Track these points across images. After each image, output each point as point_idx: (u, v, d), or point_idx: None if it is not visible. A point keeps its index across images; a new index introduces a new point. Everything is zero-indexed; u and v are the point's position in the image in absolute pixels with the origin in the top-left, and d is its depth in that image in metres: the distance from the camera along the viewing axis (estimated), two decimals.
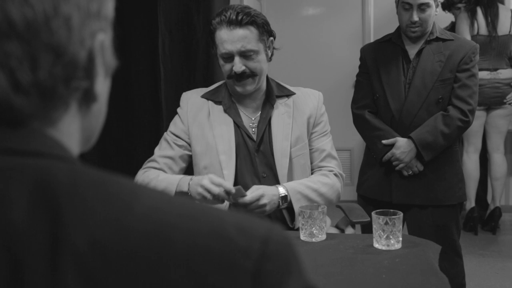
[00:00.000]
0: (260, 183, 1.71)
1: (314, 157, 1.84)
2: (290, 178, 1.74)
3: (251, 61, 1.67)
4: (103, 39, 0.52)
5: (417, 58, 2.25)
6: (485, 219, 3.72)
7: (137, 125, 2.80)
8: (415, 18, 2.18)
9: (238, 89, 1.71)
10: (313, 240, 1.56)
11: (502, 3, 3.56)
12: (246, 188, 1.62)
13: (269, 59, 1.76)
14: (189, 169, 1.86)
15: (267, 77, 1.80)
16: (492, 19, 3.42)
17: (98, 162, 2.87)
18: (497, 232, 3.65)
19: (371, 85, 2.32)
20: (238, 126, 1.75)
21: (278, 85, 1.84)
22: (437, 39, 2.25)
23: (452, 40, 2.26)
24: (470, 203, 3.58)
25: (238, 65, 1.65)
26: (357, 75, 2.42)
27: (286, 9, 4.11)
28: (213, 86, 1.86)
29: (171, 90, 2.73)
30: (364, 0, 4.12)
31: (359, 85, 2.39)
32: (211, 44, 1.75)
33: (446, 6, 3.66)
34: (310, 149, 1.83)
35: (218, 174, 1.65)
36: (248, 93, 1.73)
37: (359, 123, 2.36)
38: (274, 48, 1.77)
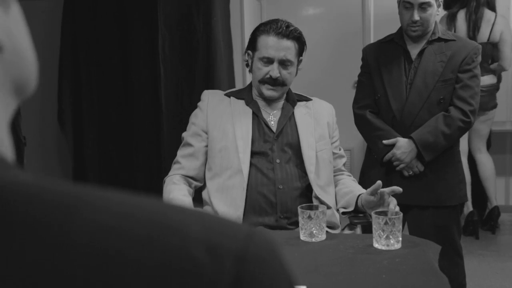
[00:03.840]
0: (273, 167, 1.81)
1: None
2: (317, 169, 1.85)
3: (286, 71, 1.83)
4: None
5: (418, 58, 2.24)
6: (484, 219, 3.72)
7: (137, 124, 2.80)
8: (416, 17, 2.17)
9: (267, 92, 1.85)
10: (313, 240, 1.56)
11: (493, 9, 3.50)
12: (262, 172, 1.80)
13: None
14: None
15: None
16: (474, 26, 3.38)
17: (99, 162, 2.88)
18: (497, 232, 3.64)
19: (373, 85, 2.32)
20: (257, 116, 1.87)
21: (297, 94, 1.99)
22: (439, 39, 2.24)
23: (454, 40, 2.24)
24: (468, 207, 3.56)
25: (276, 71, 1.81)
26: (359, 75, 2.41)
27: (286, 9, 4.11)
28: (235, 89, 2.04)
29: (171, 89, 2.73)
30: (364, 0, 4.12)
31: (360, 85, 2.38)
32: (247, 46, 1.91)
33: (446, 6, 3.65)
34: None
35: (233, 157, 1.79)
36: (273, 98, 1.88)
37: (360, 123, 2.35)
38: (298, 69, 1.94)
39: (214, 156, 1.83)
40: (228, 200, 1.77)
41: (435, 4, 2.19)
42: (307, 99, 1.98)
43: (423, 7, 2.17)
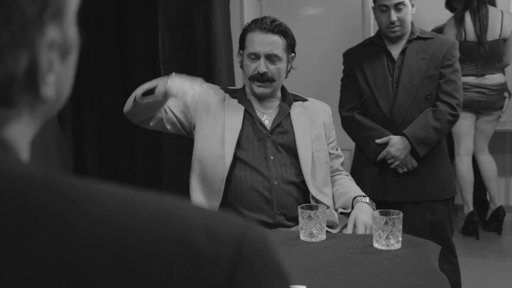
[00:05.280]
0: (267, 164, 1.80)
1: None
2: (313, 170, 1.84)
3: (274, 66, 1.83)
4: (52, 37, 0.44)
5: (401, 58, 2.31)
6: (487, 220, 3.70)
7: (137, 125, 2.79)
8: (394, 18, 2.25)
9: (257, 89, 1.85)
10: (313, 240, 1.56)
11: (494, 5, 3.51)
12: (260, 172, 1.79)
13: (286, 74, 1.92)
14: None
15: (282, 86, 1.96)
16: (480, 25, 3.38)
17: (99, 162, 2.87)
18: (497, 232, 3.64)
19: (358, 87, 2.36)
20: (250, 114, 1.87)
21: (292, 94, 1.99)
22: (418, 38, 2.32)
23: (433, 38, 2.34)
24: (468, 207, 3.56)
25: (263, 66, 1.81)
26: (342, 80, 2.45)
27: (286, 9, 4.11)
28: (231, 87, 2.05)
29: None
30: (364, 0, 4.12)
31: (345, 89, 2.42)
32: (238, 46, 1.92)
33: (447, 5, 3.65)
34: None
35: (218, 145, 1.78)
36: (264, 95, 1.87)
37: (350, 125, 2.39)
38: (291, 66, 1.94)
39: (198, 140, 1.83)
40: (206, 190, 1.78)
41: (409, 4, 2.27)
42: (303, 99, 1.98)
43: (399, 7, 2.25)
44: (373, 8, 2.37)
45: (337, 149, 2.03)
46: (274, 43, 1.81)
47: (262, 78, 1.83)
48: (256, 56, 1.82)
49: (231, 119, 1.83)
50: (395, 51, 2.32)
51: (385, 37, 2.34)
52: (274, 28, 1.81)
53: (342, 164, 2.04)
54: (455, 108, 2.28)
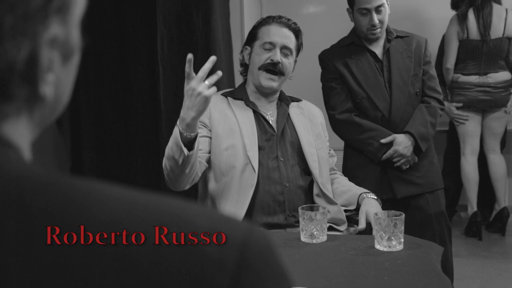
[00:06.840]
0: (278, 165, 1.80)
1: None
2: (319, 166, 1.86)
3: (286, 60, 1.85)
4: (55, 33, 0.44)
5: (386, 57, 2.33)
6: (491, 221, 3.67)
7: (135, 124, 2.77)
8: (376, 20, 2.27)
9: (264, 82, 1.84)
10: (314, 241, 1.54)
11: (499, 2, 3.47)
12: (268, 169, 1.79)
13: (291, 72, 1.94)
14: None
15: None
16: (484, 23, 3.35)
17: (97, 161, 2.85)
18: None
19: (349, 88, 2.34)
20: (258, 116, 1.86)
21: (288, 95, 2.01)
22: (397, 37, 2.37)
23: (408, 36, 2.39)
24: (472, 207, 3.53)
25: (278, 55, 1.83)
26: (327, 82, 2.40)
27: (286, 7, 4.08)
28: (227, 90, 2.02)
29: (170, 88, 2.70)
30: None
31: (333, 91, 2.37)
32: (245, 42, 1.94)
33: (453, 6, 3.61)
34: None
35: (242, 155, 1.76)
36: (270, 90, 1.86)
37: (347, 127, 2.35)
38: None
39: (220, 154, 1.78)
40: (234, 198, 1.74)
41: (387, 4, 2.30)
42: (297, 100, 2.01)
43: (379, 9, 2.28)
44: (349, 11, 2.39)
45: (330, 150, 2.04)
46: (289, 37, 1.86)
47: (274, 67, 1.83)
48: (272, 46, 1.84)
49: (245, 126, 1.81)
50: (377, 50, 2.35)
51: (364, 38, 2.36)
52: (290, 25, 1.87)
53: (334, 164, 2.06)
54: (442, 103, 2.39)
